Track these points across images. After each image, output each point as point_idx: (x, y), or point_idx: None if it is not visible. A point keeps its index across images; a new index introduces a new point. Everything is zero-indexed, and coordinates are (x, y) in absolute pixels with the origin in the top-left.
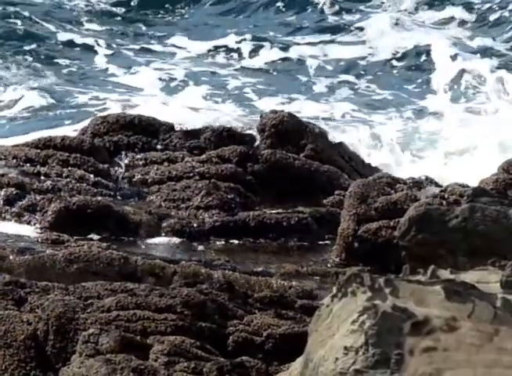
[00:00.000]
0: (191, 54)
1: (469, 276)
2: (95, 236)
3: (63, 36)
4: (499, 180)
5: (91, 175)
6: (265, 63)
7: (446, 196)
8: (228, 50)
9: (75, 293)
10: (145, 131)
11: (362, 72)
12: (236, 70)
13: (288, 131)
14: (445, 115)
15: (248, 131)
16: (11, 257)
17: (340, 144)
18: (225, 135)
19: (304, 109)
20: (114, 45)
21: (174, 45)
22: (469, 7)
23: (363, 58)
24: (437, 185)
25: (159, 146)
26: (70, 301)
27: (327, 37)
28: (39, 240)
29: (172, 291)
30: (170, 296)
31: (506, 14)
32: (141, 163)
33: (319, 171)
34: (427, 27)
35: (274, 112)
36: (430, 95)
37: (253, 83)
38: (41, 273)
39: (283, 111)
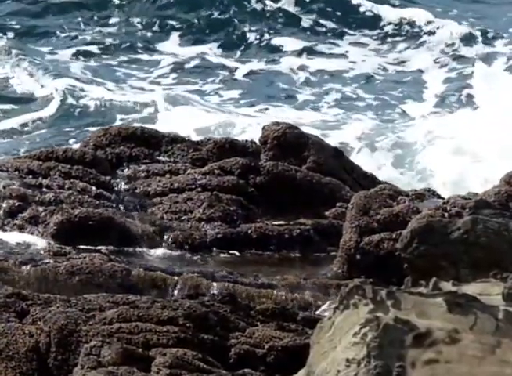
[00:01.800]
0: (177, 59)
1: (471, 289)
2: (103, 248)
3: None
4: (501, 192)
5: (94, 187)
6: (248, 74)
7: (448, 208)
8: (211, 58)
9: (77, 305)
10: (147, 143)
11: (348, 81)
12: (221, 80)
13: (290, 144)
14: (428, 121)
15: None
16: (13, 269)
17: (342, 156)
18: (228, 147)
19: (287, 116)
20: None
21: (161, 53)
22: (454, 16)
23: (346, 71)
24: (439, 197)
25: (161, 158)
26: (72, 313)
27: (309, 48)
28: (41, 252)
29: (174, 303)
30: (172, 308)
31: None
32: (143, 175)
33: (321, 183)
34: (408, 38)
35: (276, 124)
36: (413, 103)
37: (235, 93)
38: (43, 285)
39: (285, 123)
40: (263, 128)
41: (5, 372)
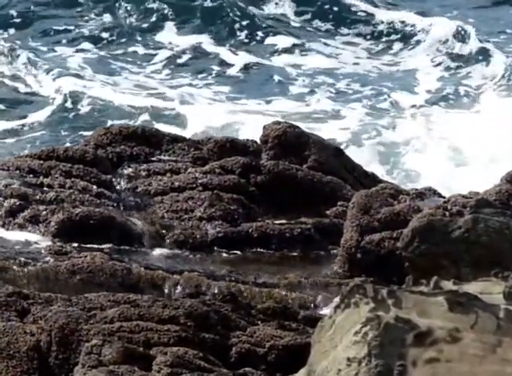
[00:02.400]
0: (173, 52)
1: (472, 287)
2: (104, 246)
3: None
4: (502, 191)
5: (94, 186)
6: (242, 69)
7: (449, 207)
8: (206, 55)
9: (78, 304)
10: (148, 142)
11: (340, 77)
12: (215, 75)
13: (291, 143)
14: (419, 119)
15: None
16: (14, 268)
17: (343, 155)
18: (228, 146)
19: (283, 108)
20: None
21: (158, 46)
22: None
23: (337, 68)
24: (440, 196)
25: (162, 157)
26: (73, 312)
27: (301, 45)
28: (42, 251)
29: (175, 302)
30: (173, 307)
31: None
32: (144, 174)
33: (322, 182)
34: (401, 37)
35: (277, 123)
36: (405, 102)
37: (229, 88)
38: (44, 284)
39: (285, 122)
40: (264, 127)
41: (6, 371)
